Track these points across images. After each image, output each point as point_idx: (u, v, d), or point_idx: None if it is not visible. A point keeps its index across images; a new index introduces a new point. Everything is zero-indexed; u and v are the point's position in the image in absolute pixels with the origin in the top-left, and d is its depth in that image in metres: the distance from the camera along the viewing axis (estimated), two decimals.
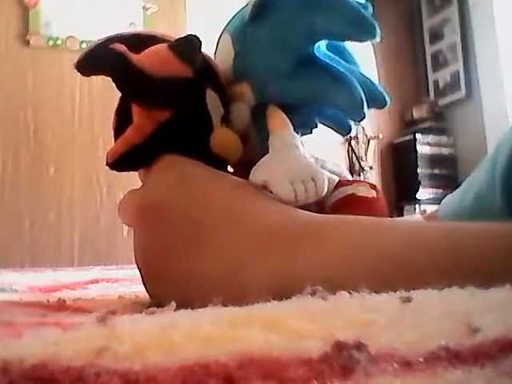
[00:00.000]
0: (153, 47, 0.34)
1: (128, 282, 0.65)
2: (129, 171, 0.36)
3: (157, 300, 0.31)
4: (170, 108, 0.34)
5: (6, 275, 0.86)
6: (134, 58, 0.32)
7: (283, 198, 0.31)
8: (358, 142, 2.83)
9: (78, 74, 0.38)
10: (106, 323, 0.15)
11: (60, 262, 1.98)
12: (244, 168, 0.34)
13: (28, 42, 2.30)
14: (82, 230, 2.29)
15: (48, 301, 0.39)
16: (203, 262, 0.29)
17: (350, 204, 0.36)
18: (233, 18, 0.39)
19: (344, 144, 2.82)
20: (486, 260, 0.23)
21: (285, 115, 0.36)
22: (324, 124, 0.40)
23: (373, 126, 2.89)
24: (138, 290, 0.51)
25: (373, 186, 0.37)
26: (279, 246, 0.27)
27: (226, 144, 0.35)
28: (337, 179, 0.37)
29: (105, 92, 2.29)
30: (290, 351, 0.13)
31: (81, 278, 0.72)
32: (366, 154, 2.83)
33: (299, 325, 0.14)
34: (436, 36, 2.96)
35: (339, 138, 2.79)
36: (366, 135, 2.84)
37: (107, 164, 0.35)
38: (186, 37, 0.34)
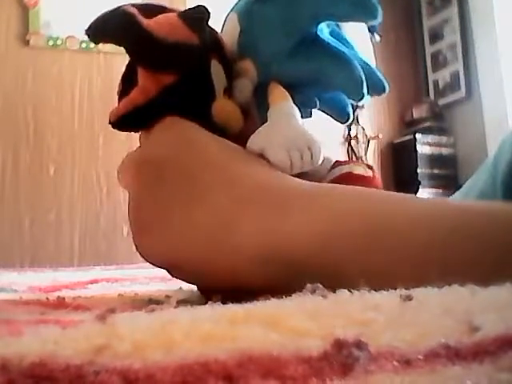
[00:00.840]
0: (162, 15, 0.35)
1: (128, 281, 0.65)
2: (130, 132, 0.37)
3: (146, 257, 0.32)
4: (175, 72, 0.35)
5: (5, 275, 0.86)
6: (144, 21, 0.33)
7: (279, 165, 0.32)
8: (358, 142, 2.83)
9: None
10: (105, 321, 0.15)
11: (60, 262, 1.98)
12: (244, 145, 0.35)
13: (28, 41, 2.31)
14: (81, 230, 2.29)
15: (47, 299, 0.39)
16: (196, 214, 0.30)
17: (347, 182, 0.36)
18: None
19: (344, 144, 2.82)
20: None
21: (285, 90, 0.36)
22: (323, 111, 0.41)
23: (373, 126, 2.89)
24: (138, 289, 0.51)
25: (369, 167, 0.38)
26: (269, 206, 0.28)
27: (227, 113, 0.36)
28: (333, 160, 0.38)
29: (105, 92, 2.29)
30: (290, 349, 0.13)
31: (81, 278, 0.72)
32: (365, 154, 2.83)
33: (299, 323, 0.14)
34: (436, 36, 2.96)
35: (339, 137, 2.80)
36: (366, 135, 2.84)
37: (110, 123, 0.36)
38: (195, 7, 0.35)
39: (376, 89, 0.39)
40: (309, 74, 0.37)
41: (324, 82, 0.37)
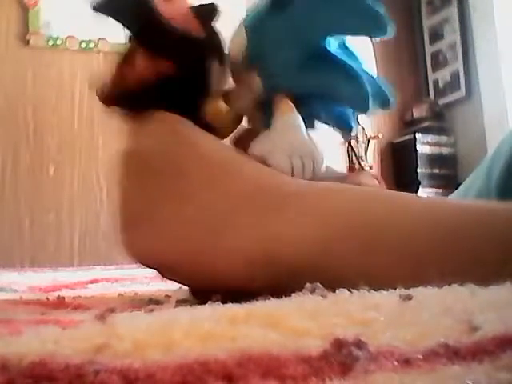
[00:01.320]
0: (176, 1, 0.36)
1: (128, 281, 0.65)
2: (117, 106, 0.37)
3: (133, 255, 0.31)
4: (173, 61, 0.35)
5: (5, 275, 0.86)
6: (156, 3, 0.34)
7: (280, 171, 0.32)
8: (357, 142, 2.82)
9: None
10: (105, 321, 0.15)
11: (60, 262, 1.98)
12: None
13: (28, 41, 2.30)
14: (81, 230, 2.29)
15: (47, 299, 0.39)
16: (189, 208, 0.29)
17: None
18: (250, 12, 0.40)
19: (344, 144, 2.82)
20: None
21: (291, 103, 0.37)
22: (327, 124, 0.41)
23: (373, 125, 2.89)
24: (138, 289, 0.51)
25: (375, 177, 0.38)
26: (267, 205, 0.28)
27: (219, 113, 0.36)
28: (336, 169, 0.39)
29: None
30: (290, 349, 0.13)
31: (81, 278, 0.72)
32: (365, 154, 2.83)
33: (299, 323, 0.14)
34: (436, 36, 2.96)
35: (339, 137, 2.79)
36: (366, 135, 2.84)
37: (97, 94, 0.36)
38: (207, 4, 0.36)
39: (383, 104, 0.39)
40: (316, 86, 0.37)
41: (331, 94, 0.38)
